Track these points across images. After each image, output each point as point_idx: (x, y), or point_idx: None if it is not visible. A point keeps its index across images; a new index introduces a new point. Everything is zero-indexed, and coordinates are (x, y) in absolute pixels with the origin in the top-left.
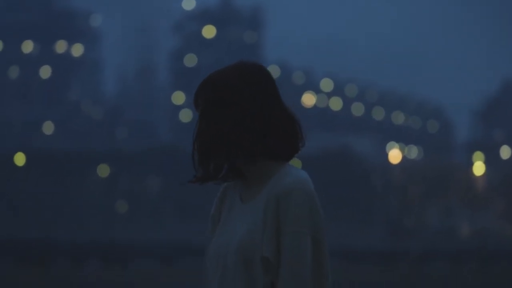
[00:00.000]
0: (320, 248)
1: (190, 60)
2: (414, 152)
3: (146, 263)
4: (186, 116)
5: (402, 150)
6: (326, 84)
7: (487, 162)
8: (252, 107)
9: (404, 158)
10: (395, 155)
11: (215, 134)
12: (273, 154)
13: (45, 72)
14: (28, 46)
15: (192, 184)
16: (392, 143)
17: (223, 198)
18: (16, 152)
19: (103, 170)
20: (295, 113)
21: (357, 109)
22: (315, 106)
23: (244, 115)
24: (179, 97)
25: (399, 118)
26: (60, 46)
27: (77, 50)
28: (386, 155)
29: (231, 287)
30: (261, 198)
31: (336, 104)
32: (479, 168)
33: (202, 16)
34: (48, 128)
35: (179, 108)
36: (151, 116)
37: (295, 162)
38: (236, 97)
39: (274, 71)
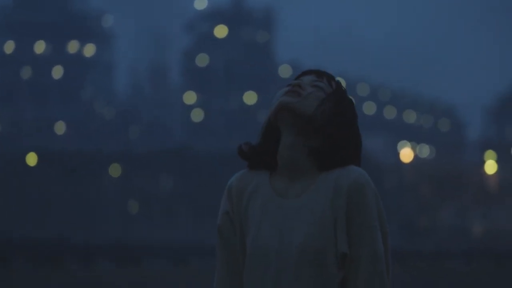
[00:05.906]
0: (386, 242)
1: (202, 60)
2: (425, 151)
3: (159, 263)
4: (198, 115)
5: (413, 149)
6: None
7: (499, 161)
8: (354, 121)
9: (415, 157)
10: (406, 154)
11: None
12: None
13: (57, 72)
14: (40, 47)
15: (205, 184)
16: (403, 142)
17: (240, 197)
18: (28, 152)
19: (115, 170)
20: None
21: (369, 108)
22: None
23: (353, 122)
24: (190, 97)
25: (410, 117)
26: (72, 47)
27: (89, 50)
28: (398, 154)
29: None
30: (321, 192)
31: None
32: (491, 166)
33: (214, 16)
34: (60, 128)
35: (190, 107)
36: (163, 116)
37: None
38: (352, 107)
39: (286, 70)
